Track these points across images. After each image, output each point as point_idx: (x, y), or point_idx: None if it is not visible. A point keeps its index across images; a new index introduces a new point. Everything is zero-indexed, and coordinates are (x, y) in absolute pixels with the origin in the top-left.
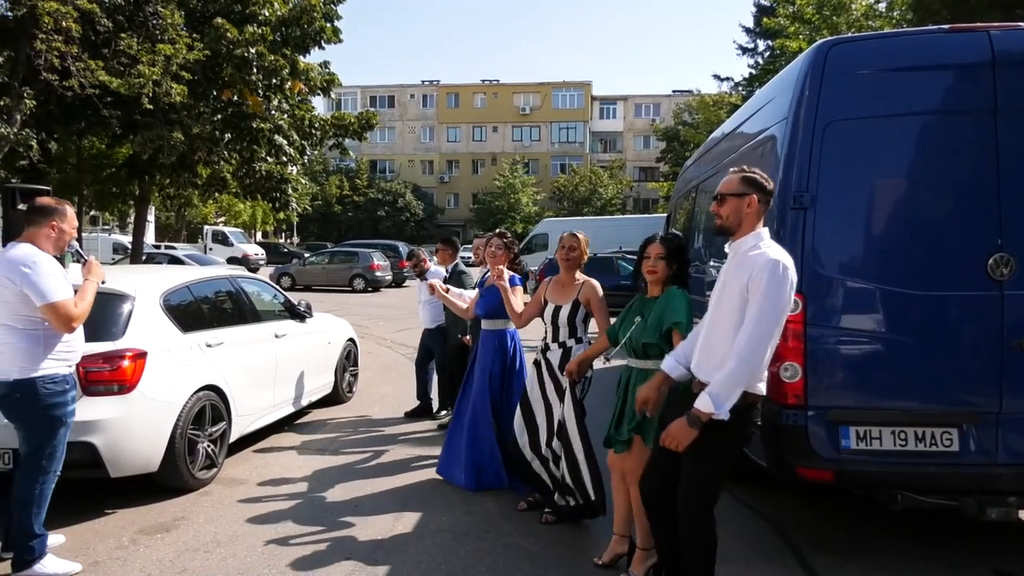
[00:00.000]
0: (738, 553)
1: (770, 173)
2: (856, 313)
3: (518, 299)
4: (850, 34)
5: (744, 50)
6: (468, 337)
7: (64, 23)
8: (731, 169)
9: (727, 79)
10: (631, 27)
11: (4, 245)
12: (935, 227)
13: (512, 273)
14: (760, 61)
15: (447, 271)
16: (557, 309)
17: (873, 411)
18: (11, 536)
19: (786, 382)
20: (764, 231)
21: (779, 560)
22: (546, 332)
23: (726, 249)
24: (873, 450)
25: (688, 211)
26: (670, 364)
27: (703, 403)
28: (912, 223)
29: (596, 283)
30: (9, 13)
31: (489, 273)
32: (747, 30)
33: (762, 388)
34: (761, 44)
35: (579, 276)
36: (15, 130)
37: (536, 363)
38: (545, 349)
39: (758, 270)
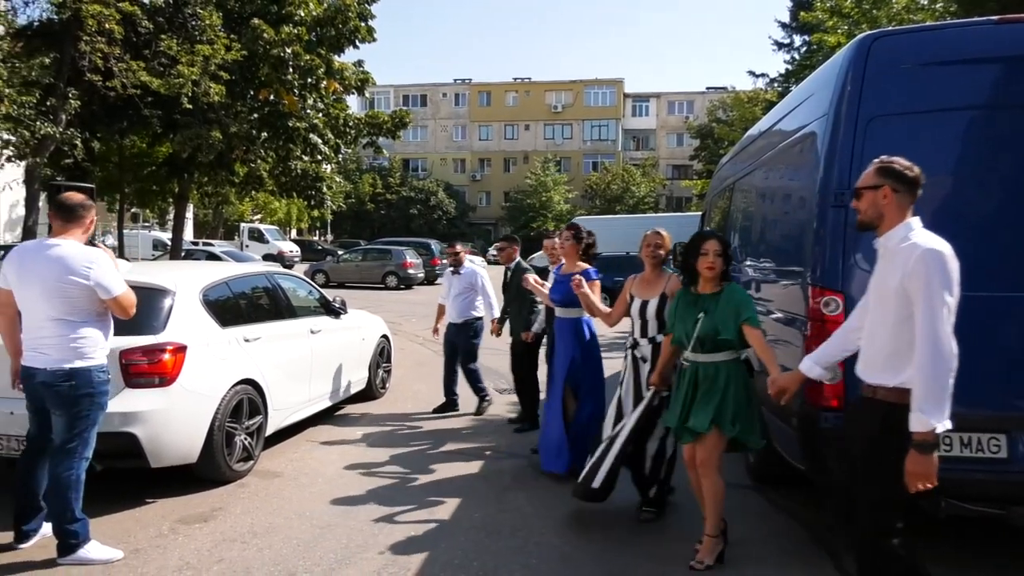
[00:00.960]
0: (775, 557)
1: (809, 170)
2: None
3: (597, 297)
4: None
5: (780, 45)
6: (530, 334)
7: (107, 25)
8: (874, 160)
9: (762, 75)
10: (664, 23)
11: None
12: (982, 226)
13: (587, 266)
14: (796, 56)
15: (510, 269)
16: (644, 304)
17: None
18: (53, 524)
19: (826, 384)
20: (914, 220)
21: (816, 565)
22: (633, 327)
23: (874, 245)
24: None
25: (724, 209)
26: (807, 365)
27: (919, 424)
28: (958, 221)
29: (679, 276)
30: (55, 16)
31: (562, 265)
32: (783, 25)
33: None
34: (798, 39)
35: (664, 271)
36: (60, 129)
37: (626, 359)
38: (634, 345)
39: (913, 264)
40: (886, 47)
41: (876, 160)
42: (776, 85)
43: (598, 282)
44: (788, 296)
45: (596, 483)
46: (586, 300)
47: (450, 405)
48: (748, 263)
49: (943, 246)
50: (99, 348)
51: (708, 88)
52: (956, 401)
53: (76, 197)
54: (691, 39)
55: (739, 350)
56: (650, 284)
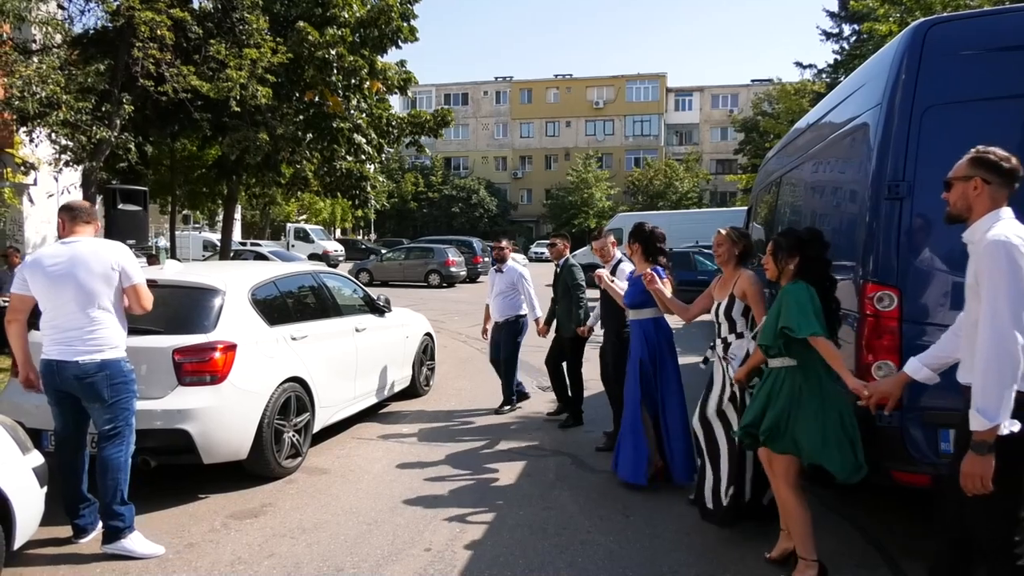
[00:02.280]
0: (827, 558)
1: (862, 162)
2: (956, 308)
3: (668, 292)
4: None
5: (828, 35)
6: (585, 328)
7: (159, 31)
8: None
9: (810, 66)
10: (707, 15)
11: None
12: None
13: (654, 265)
14: (846, 47)
15: (559, 265)
16: (718, 305)
17: None
18: (102, 507)
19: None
20: (1003, 211)
21: (870, 566)
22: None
23: (963, 239)
24: None
25: (770, 204)
26: (913, 366)
27: (975, 423)
28: (1019, 213)
29: (750, 275)
30: (109, 24)
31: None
32: (831, 14)
33: None
34: (847, 29)
35: (738, 270)
36: (115, 134)
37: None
38: (712, 346)
39: (981, 254)
40: (943, 34)
41: (972, 150)
42: (824, 76)
43: (668, 280)
44: (839, 292)
45: (725, 501)
46: (660, 296)
47: (522, 396)
48: None
49: (1010, 234)
50: (122, 340)
51: (753, 81)
52: None
53: (85, 203)
54: (735, 31)
55: (791, 357)
56: (725, 283)
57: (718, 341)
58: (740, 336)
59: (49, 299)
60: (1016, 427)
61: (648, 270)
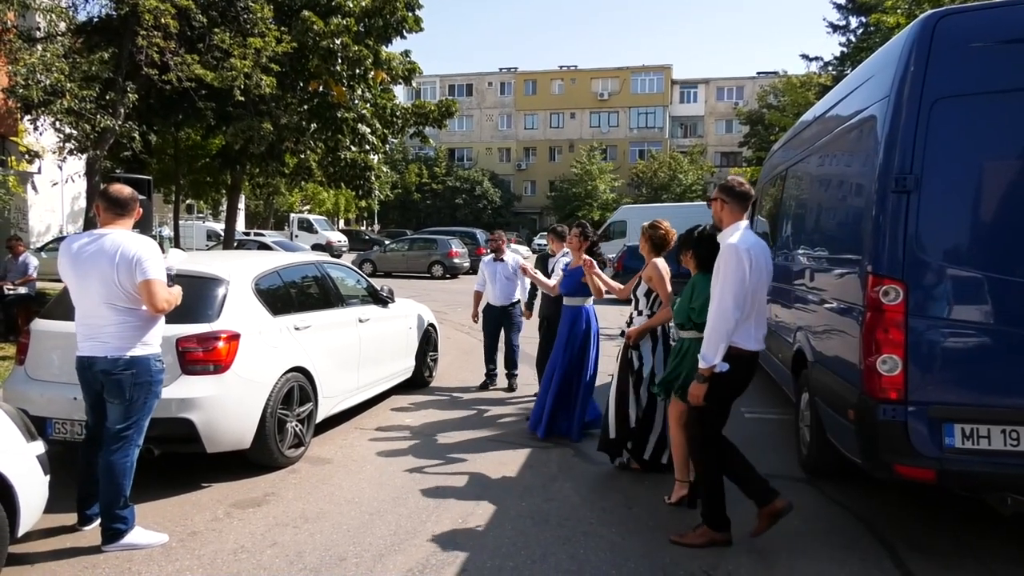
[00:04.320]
0: (829, 552)
1: (868, 155)
2: (963, 303)
3: (604, 278)
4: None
5: (835, 28)
6: (528, 312)
7: (163, 20)
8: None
9: (816, 59)
10: (712, 7)
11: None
12: None
13: (587, 257)
14: (852, 39)
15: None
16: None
17: (981, 408)
18: (103, 510)
19: (884, 375)
20: (741, 223)
21: (873, 560)
22: None
23: (719, 240)
24: (980, 449)
25: (775, 197)
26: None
27: (701, 363)
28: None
29: (655, 263)
30: (113, 12)
31: (571, 259)
32: (838, 6)
33: (751, 346)
34: (854, 21)
35: (650, 258)
36: (119, 123)
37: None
38: (628, 322)
39: (721, 253)
40: (953, 25)
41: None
42: (831, 69)
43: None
44: (844, 285)
45: (612, 434)
46: (599, 281)
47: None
48: (801, 251)
49: (743, 241)
50: (156, 336)
51: (759, 73)
52: (1016, 394)
53: (125, 191)
54: (741, 23)
55: (699, 331)
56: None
57: (630, 317)
58: (641, 314)
59: (76, 292)
60: (725, 367)
61: (585, 257)
